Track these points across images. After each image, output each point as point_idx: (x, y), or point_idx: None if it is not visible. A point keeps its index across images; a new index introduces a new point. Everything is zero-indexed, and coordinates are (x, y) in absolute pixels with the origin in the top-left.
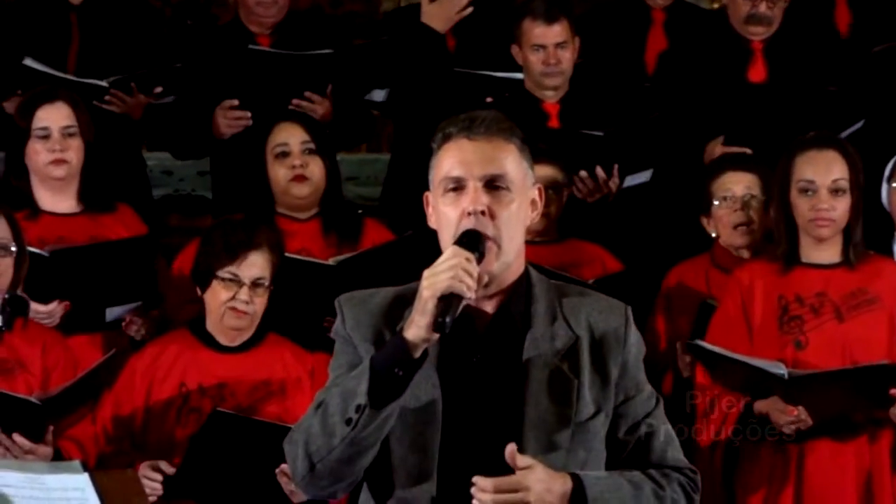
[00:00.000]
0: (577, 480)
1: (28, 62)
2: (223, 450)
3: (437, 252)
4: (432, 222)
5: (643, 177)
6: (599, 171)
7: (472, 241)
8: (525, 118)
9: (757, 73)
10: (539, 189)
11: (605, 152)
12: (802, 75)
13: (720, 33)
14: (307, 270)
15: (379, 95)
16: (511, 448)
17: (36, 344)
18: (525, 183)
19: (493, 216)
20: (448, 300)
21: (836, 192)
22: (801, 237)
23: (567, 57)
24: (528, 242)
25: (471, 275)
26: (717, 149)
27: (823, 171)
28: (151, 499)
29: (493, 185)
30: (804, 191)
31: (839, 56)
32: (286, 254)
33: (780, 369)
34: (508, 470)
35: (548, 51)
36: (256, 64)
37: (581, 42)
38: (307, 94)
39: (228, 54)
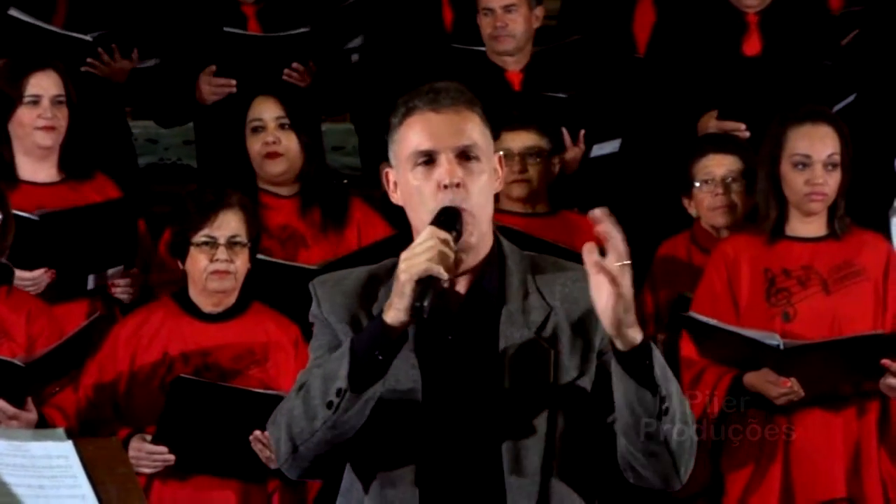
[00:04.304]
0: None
1: (13, 12)
2: (193, 417)
3: None
4: (396, 199)
5: (611, 146)
6: (565, 133)
7: (449, 220)
8: (488, 88)
9: (752, 46)
10: (499, 157)
11: (570, 116)
12: (797, 49)
13: (714, 6)
14: (289, 274)
15: (355, 42)
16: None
17: (20, 312)
18: (489, 151)
19: (466, 188)
20: (426, 283)
21: (829, 166)
22: (789, 210)
23: (517, 20)
24: (519, 215)
25: (448, 256)
26: (710, 123)
27: (819, 145)
28: (149, 469)
29: (465, 155)
30: (798, 165)
31: (832, 30)
32: (267, 258)
33: (775, 340)
34: (489, 447)
35: (496, 14)
36: (235, 46)
37: (571, 15)
38: (294, 64)
39: (213, 15)
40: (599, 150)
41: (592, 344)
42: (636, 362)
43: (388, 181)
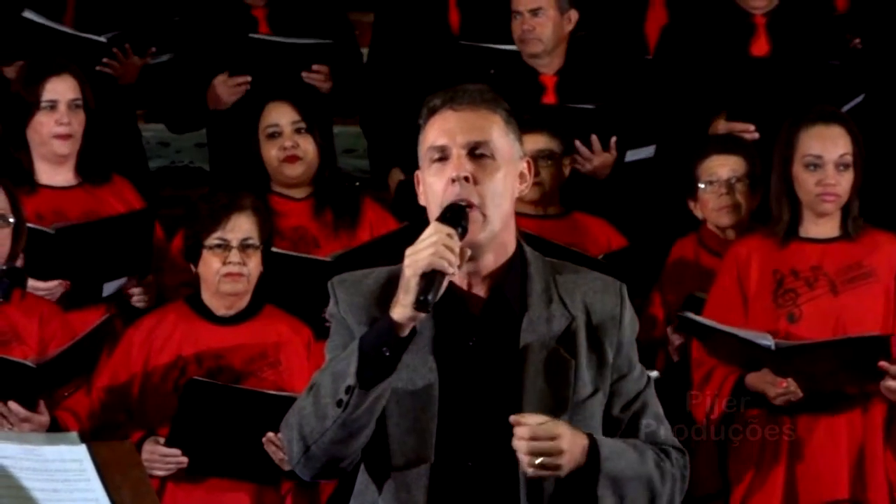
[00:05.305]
0: (590, 437)
1: (27, 14)
2: (206, 420)
3: None
4: (422, 200)
5: (646, 152)
6: (595, 140)
7: (454, 216)
8: (522, 91)
9: (760, 47)
10: (528, 162)
11: (598, 125)
12: (805, 49)
13: (722, 7)
14: (303, 267)
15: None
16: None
17: (33, 316)
18: (511, 154)
19: (476, 183)
20: (430, 277)
21: (841, 166)
22: (802, 211)
23: (544, 24)
24: (530, 217)
25: (452, 250)
26: (720, 124)
27: (831, 146)
28: (162, 472)
29: (476, 152)
30: (810, 165)
31: (839, 30)
32: (282, 250)
33: (768, 340)
34: (505, 453)
35: (523, 17)
36: (255, 50)
37: (581, 14)
38: (315, 67)
39: (224, 18)
40: (634, 155)
41: (606, 358)
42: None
43: (417, 183)
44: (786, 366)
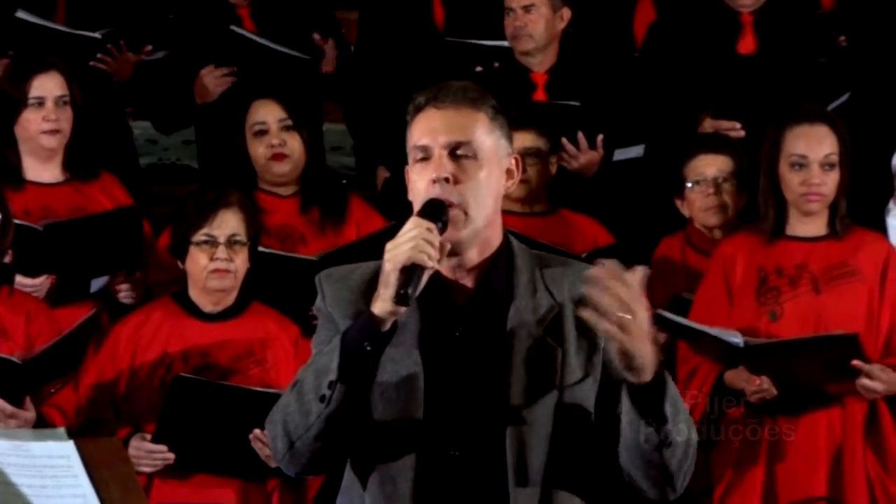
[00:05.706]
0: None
1: (21, 14)
2: (192, 416)
3: None
4: (411, 195)
5: (635, 151)
6: (581, 137)
7: (434, 211)
8: (512, 88)
9: (746, 45)
10: (515, 159)
11: (585, 123)
12: (791, 47)
13: (709, 5)
14: (289, 266)
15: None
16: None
17: (20, 312)
18: (496, 152)
19: (457, 183)
20: (410, 271)
21: (827, 166)
22: (788, 210)
23: (536, 21)
24: (517, 214)
25: (432, 245)
26: (706, 122)
27: (816, 145)
28: (149, 468)
29: (457, 152)
30: (795, 165)
31: (826, 28)
32: (268, 249)
33: (737, 338)
34: (492, 445)
35: (515, 14)
36: (236, 44)
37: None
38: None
39: (210, 15)
40: (623, 154)
41: (597, 344)
42: (646, 396)
43: (406, 178)
44: (757, 364)
